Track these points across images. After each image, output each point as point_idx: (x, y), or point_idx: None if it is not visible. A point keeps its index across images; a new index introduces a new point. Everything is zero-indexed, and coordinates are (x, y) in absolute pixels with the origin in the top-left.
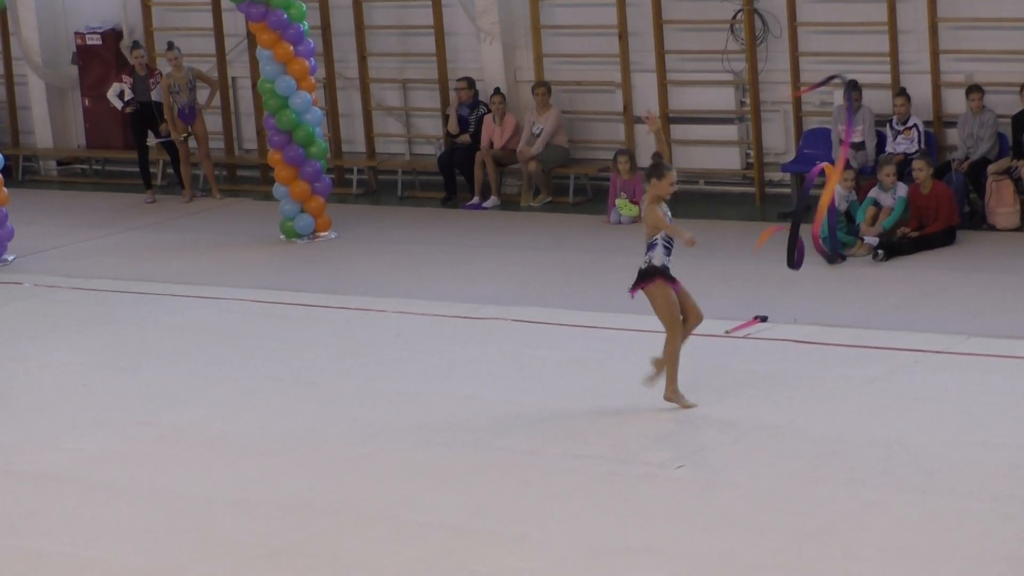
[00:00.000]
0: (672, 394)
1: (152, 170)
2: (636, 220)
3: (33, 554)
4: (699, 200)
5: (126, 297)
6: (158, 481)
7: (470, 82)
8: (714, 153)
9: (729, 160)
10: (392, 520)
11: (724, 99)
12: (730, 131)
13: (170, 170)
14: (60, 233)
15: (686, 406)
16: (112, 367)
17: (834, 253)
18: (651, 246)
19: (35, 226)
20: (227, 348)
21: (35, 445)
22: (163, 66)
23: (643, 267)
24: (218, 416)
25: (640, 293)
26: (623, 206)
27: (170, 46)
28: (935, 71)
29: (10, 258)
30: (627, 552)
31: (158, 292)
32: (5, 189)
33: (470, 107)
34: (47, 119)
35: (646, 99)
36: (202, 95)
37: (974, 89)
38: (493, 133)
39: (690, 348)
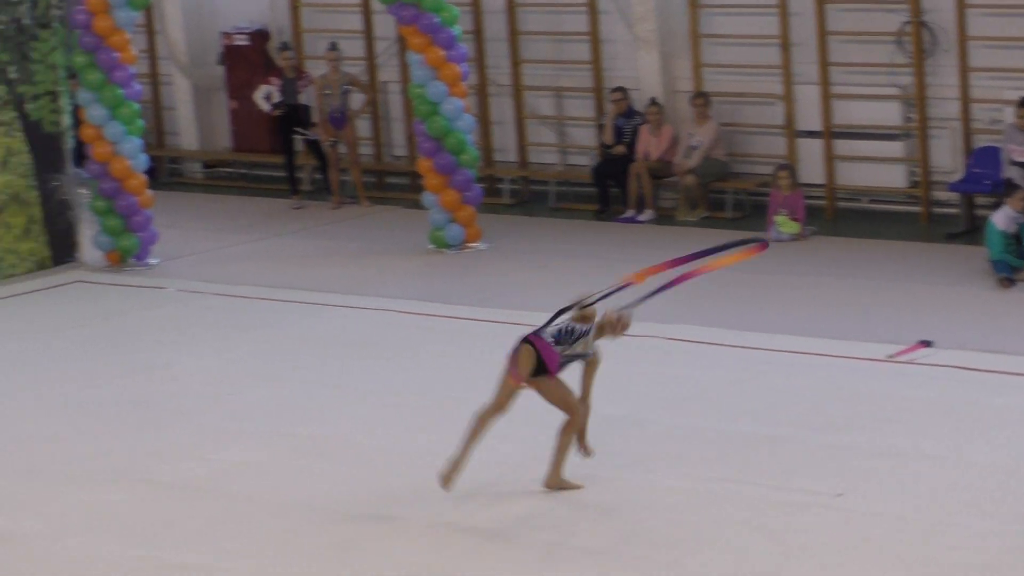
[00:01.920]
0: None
1: (299, 175)
2: (797, 237)
3: (172, 567)
4: (862, 219)
5: (271, 305)
6: (300, 494)
7: (625, 92)
8: (878, 170)
9: (894, 178)
10: (537, 543)
11: (889, 114)
12: (895, 147)
13: (318, 175)
14: (204, 237)
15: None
16: (255, 376)
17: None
18: None
19: (179, 230)
20: (373, 359)
21: (176, 454)
22: (313, 68)
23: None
24: (362, 428)
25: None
26: (783, 223)
27: (332, 46)
28: None
29: (153, 262)
30: None
31: (303, 300)
32: (149, 191)
33: (626, 117)
34: (193, 120)
35: (808, 112)
36: (354, 101)
37: None
38: (649, 144)
39: (851, 373)
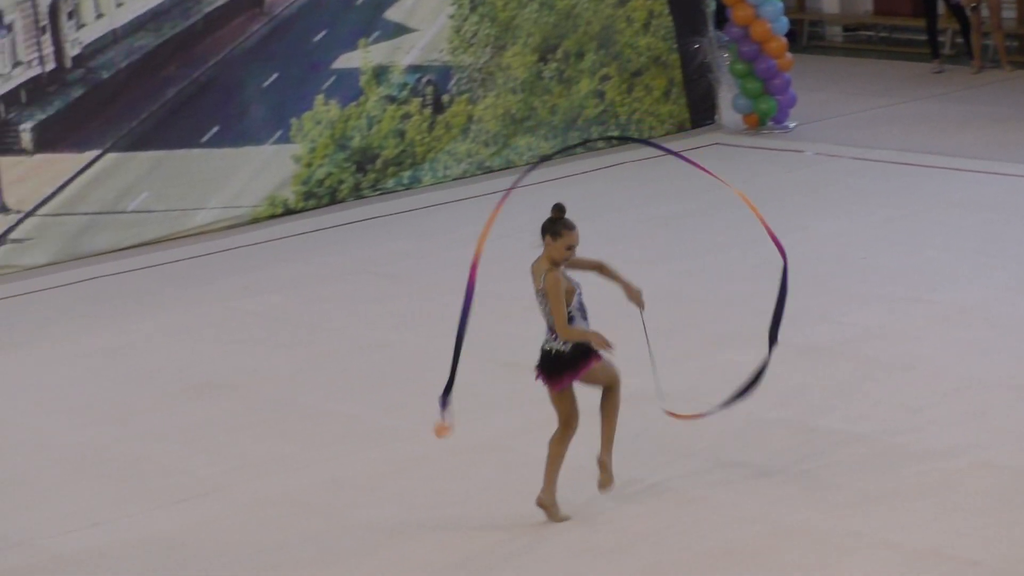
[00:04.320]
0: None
1: (940, 39)
2: None
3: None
4: None
5: (906, 169)
6: (934, 361)
7: None
8: None
9: None
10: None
11: None
12: None
13: (959, 39)
14: (843, 101)
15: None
16: (890, 241)
17: None
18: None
19: (818, 93)
20: (1011, 227)
21: (809, 317)
22: None
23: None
24: (1000, 297)
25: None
26: None
27: None
28: None
29: (792, 125)
30: None
31: (940, 166)
32: (789, 54)
33: None
34: None
35: None
36: None
37: None
38: None
39: None
